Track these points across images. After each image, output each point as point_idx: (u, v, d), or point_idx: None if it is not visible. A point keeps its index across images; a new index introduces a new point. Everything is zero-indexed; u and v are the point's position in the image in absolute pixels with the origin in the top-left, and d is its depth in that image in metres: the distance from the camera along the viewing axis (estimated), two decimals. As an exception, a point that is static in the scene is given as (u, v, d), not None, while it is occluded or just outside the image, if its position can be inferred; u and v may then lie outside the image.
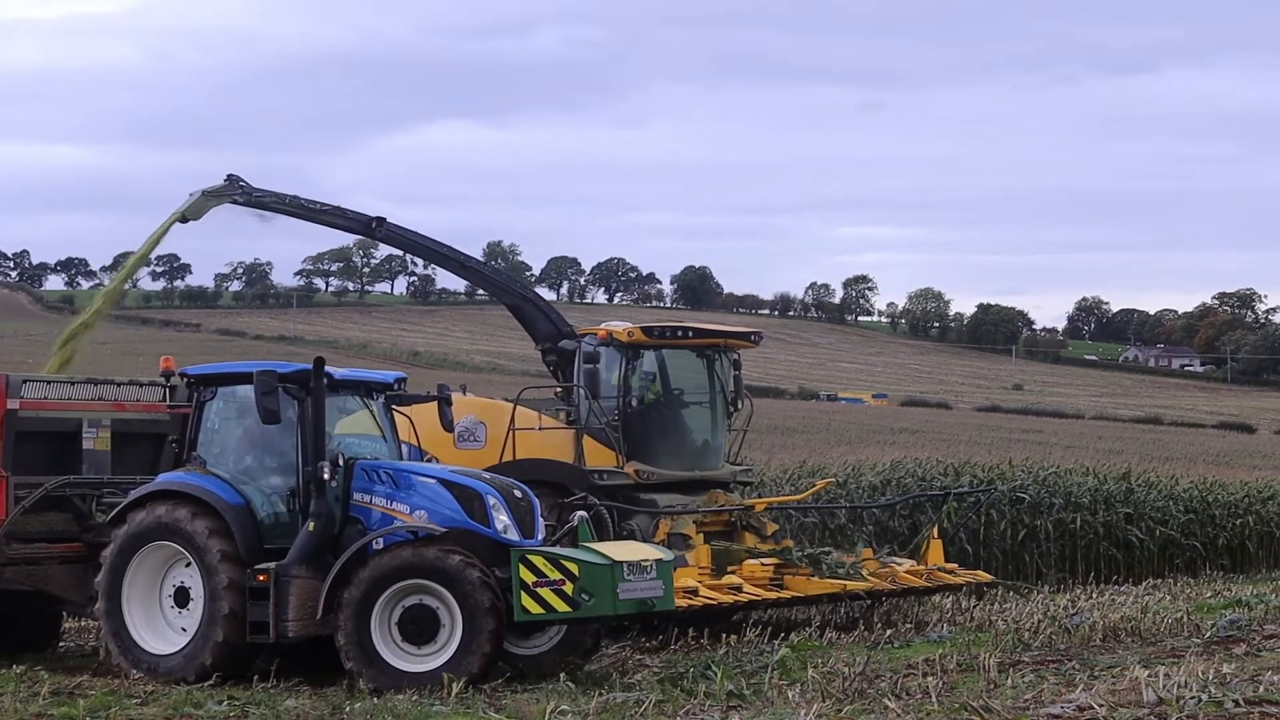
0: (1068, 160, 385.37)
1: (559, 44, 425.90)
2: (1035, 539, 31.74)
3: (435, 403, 19.75)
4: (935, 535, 25.02)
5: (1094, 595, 26.75)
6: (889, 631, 20.98)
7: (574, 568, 16.88)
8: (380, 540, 17.27)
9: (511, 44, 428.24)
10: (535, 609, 16.88)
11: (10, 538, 19.37)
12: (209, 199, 23.49)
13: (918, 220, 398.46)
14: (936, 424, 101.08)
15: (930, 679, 15.40)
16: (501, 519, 17.47)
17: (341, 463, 17.66)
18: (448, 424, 19.95)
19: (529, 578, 16.87)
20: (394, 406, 19.18)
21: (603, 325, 24.07)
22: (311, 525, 17.47)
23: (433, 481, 17.72)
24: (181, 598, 18.05)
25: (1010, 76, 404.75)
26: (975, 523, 30.62)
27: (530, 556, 16.97)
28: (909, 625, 22.05)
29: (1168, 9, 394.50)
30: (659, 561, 17.67)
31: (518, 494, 17.91)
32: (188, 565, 17.95)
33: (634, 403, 23.57)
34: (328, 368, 18.04)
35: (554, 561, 16.93)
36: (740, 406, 24.56)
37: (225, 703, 15.54)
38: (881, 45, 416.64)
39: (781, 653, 17.83)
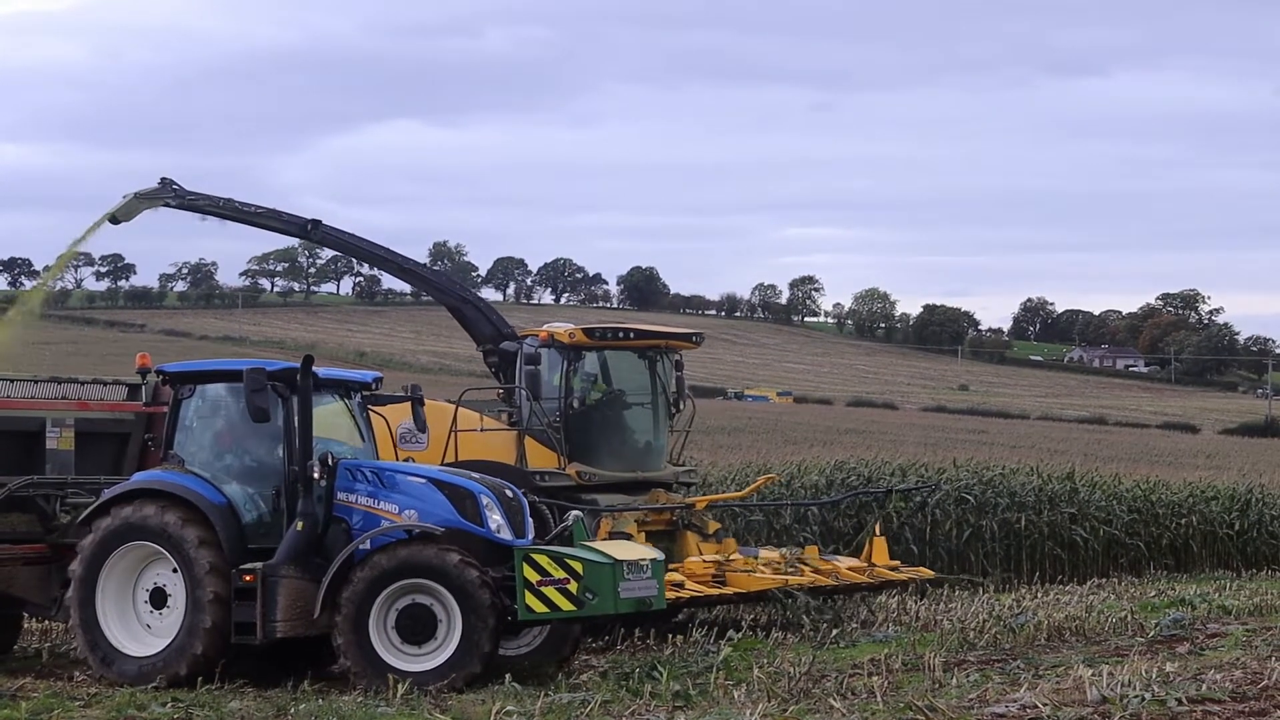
0: (1015, 162, 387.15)
1: (509, 44, 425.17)
2: (980, 538, 31.86)
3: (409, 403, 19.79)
4: (878, 533, 25.12)
5: (1039, 595, 26.86)
6: (835, 631, 21.01)
7: (578, 566, 16.87)
8: (369, 540, 17.17)
9: (461, 43, 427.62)
10: (540, 608, 16.85)
11: None
12: (141, 201, 23.34)
13: (865, 221, 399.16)
14: (883, 424, 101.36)
15: (875, 679, 15.45)
16: (495, 518, 17.42)
17: (330, 462, 17.55)
18: (421, 424, 19.98)
19: (533, 576, 16.84)
20: (370, 407, 19.13)
21: (544, 327, 24.08)
22: (300, 525, 17.33)
23: (422, 481, 17.64)
24: (158, 598, 17.80)
25: (961, 78, 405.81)
26: (920, 521, 30.72)
27: (534, 555, 16.95)
28: (855, 625, 22.09)
29: (1118, 11, 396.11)
30: (654, 561, 17.73)
31: (509, 493, 17.87)
32: (164, 565, 17.70)
33: (575, 404, 23.57)
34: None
35: (558, 560, 16.92)
36: (682, 407, 24.59)
37: (169, 704, 15.44)
38: (833, 46, 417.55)
39: (725, 652, 17.85)
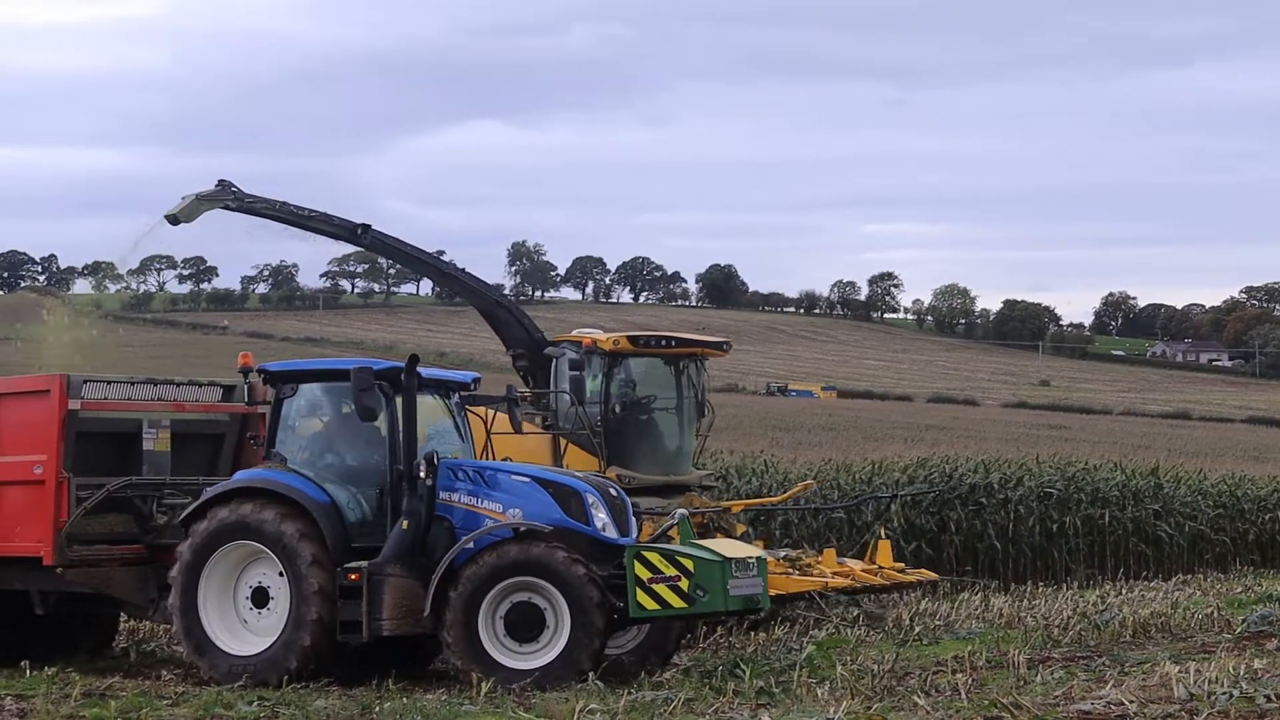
0: (1097, 154, 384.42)
1: (587, 42, 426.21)
2: (1064, 535, 31.67)
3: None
4: (884, 535, 25.18)
5: (1123, 591, 26.71)
6: (917, 629, 20.95)
7: (689, 564, 16.88)
8: (474, 540, 17.21)
9: (541, 43, 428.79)
10: (651, 605, 16.88)
11: (71, 539, 19.33)
12: (202, 203, 23.34)
13: (945, 217, 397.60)
14: (964, 421, 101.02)
15: (959, 676, 15.39)
16: (600, 517, 17.45)
17: (435, 461, 17.63)
18: (517, 425, 19.99)
19: (644, 574, 16.86)
20: (468, 407, 19.21)
21: (582, 332, 24.39)
22: (405, 524, 17.38)
23: (526, 480, 17.67)
24: (260, 597, 17.88)
25: (1040, 71, 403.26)
26: (1003, 518, 30.58)
27: (645, 553, 16.98)
28: (938, 623, 22.01)
29: (1200, 1, 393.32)
30: (759, 559, 17.74)
31: (613, 492, 17.90)
32: (266, 564, 17.76)
33: (616, 409, 23.72)
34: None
35: (669, 558, 16.93)
36: (707, 412, 24.82)
37: (255, 703, 15.54)
38: (910, 40, 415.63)
39: (809, 650, 17.82)
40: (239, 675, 17.40)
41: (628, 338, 24.11)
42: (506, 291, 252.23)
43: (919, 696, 13.99)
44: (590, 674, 16.36)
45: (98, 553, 19.59)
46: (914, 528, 30.07)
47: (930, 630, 20.99)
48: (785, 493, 27.90)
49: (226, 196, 22.94)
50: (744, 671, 16.18)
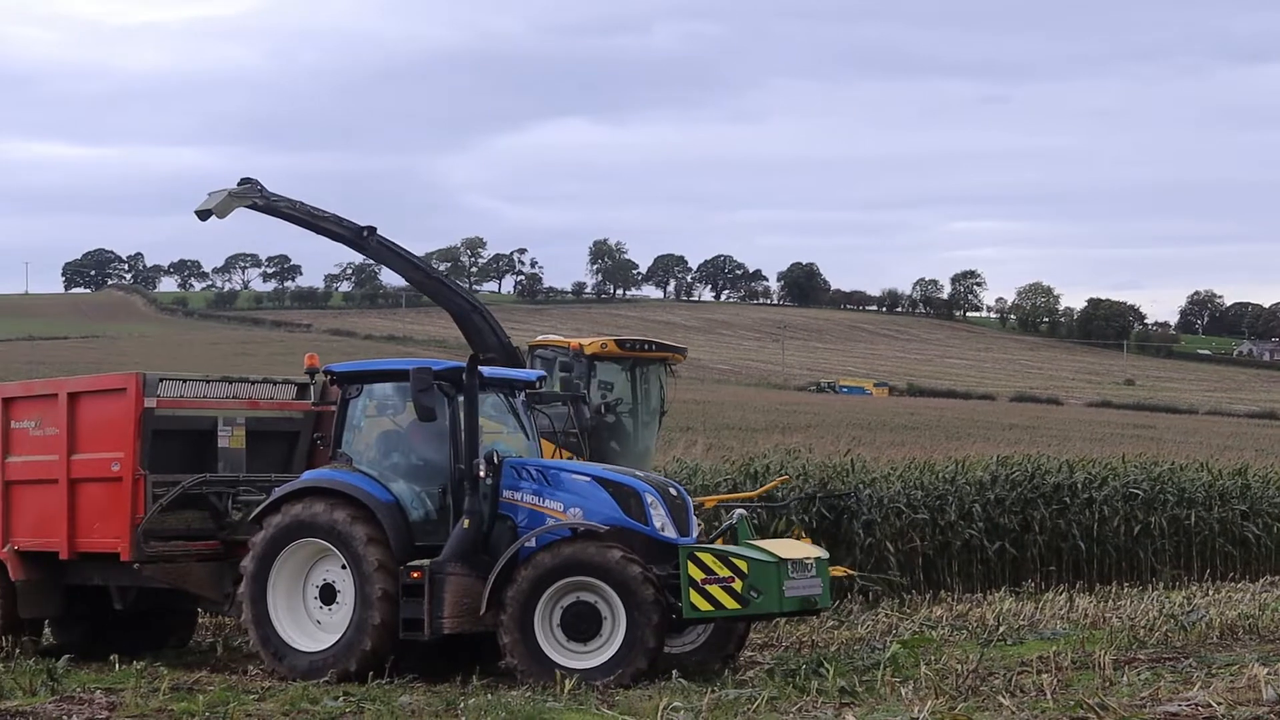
0: (1185, 152, 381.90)
1: (676, 40, 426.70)
2: (1149, 536, 31.40)
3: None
4: (802, 536, 25.05)
5: (1210, 592, 26.48)
6: (1001, 628, 20.85)
7: (743, 565, 16.88)
8: (534, 538, 17.29)
9: (629, 40, 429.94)
10: (704, 606, 16.89)
11: (148, 535, 19.56)
12: (233, 200, 23.36)
13: (1031, 215, 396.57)
14: (1047, 420, 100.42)
15: (1045, 676, 15.29)
16: (659, 516, 17.48)
17: (496, 460, 17.71)
18: (583, 424, 20.03)
19: (698, 575, 16.87)
20: (533, 406, 19.27)
21: (552, 337, 24.66)
22: (466, 522, 17.47)
23: (587, 479, 17.70)
24: (328, 594, 18.03)
25: (1133, 67, 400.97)
26: (1088, 518, 30.34)
27: (699, 554, 16.97)
28: (1022, 623, 21.90)
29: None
30: (818, 559, 17.70)
31: (673, 492, 17.92)
32: (333, 562, 17.91)
33: (603, 410, 24.04)
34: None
35: (723, 559, 16.93)
36: (666, 411, 25.51)
37: (341, 699, 15.64)
38: (1004, 37, 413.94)
39: (893, 649, 17.76)
40: (302, 670, 17.59)
41: (615, 341, 24.36)
42: (588, 289, 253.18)
43: (1004, 697, 13.92)
44: (674, 672, 16.39)
45: (174, 548, 19.81)
46: (997, 527, 29.87)
47: (1014, 630, 20.88)
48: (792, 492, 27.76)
49: (255, 194, 22.99)
50: (827, 670, 16.14)
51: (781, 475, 27.60)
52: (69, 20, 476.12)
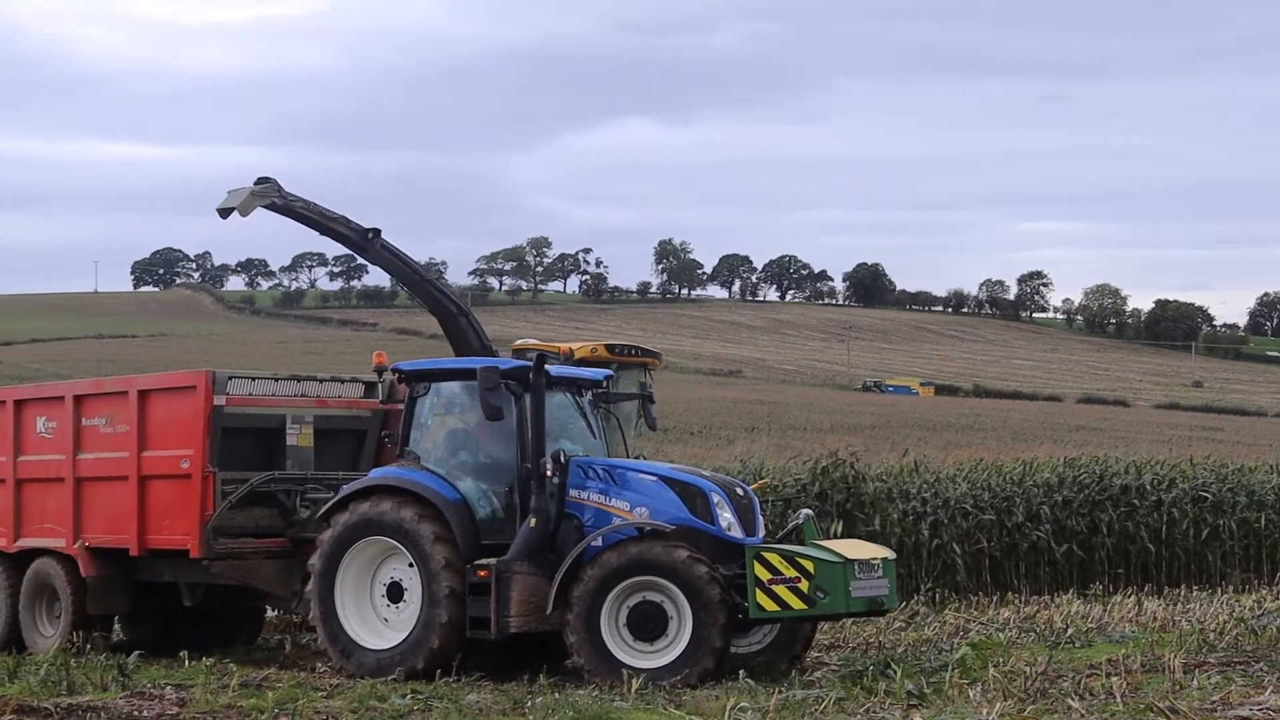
0: (1255, 151, 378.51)
1: (740, 40, 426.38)
2: (1218, 538, 31.16)
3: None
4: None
5: (1280, 596, 26.23)
6: (1069, 631, 20.74)
7: (809, 565, 16.84)
8: (600, 537, 17.32)
9: (695, 40, 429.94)
10: (770, 606, 16.86)
11: (218, 532, 19.70)
12: (255, 199, 23.36)
13: (1099, 215, 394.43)
14: (1114, 422, 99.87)
15: (1114, 679, 15.21)
16: (726, 516, 17.47)
17: (563, 459, 17.74)
18: (651, 422, 20.02)
19: (764, 575, 16.85)
20: (601, 405, 19.28)
21: (530, 341, 24.57)
22: (533, 521, 17.50)
23: (653, 479, 17.69)
24: (395, 592, 18.06)
25: (1199, 65, 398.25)
26: (1156, 521, 30.13)
27: (765, 554, 16.95)
28: (1090, 625, 21.77)
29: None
30: (885, 560, 17.65)
31: (739, 491, 17.91)
32: (401, 560, 17.95)
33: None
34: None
35: (789, 559, 16.89)
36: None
37: (409, 696, 15.70)
38: (1071, 36, 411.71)
39: (962, 651, 17.69)
40: (369, 668, 17.63)
41: (605, 346, 24.35)
42: (653, 289, 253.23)
43: (1073, 699, 13.86)
44: (740, 672, 16.38)
45: (242, 546, 19.92)
46: (1065, 529, 29.73)
47: (1082, 633, 20.77)
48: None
49: (273, 194, 23.01)
50: (895, 672, 16.08)
51: (763, 479, 27.54)
52: (138, 21, 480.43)
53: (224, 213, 23.11)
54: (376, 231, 23.55)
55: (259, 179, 22.98)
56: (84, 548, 20.84)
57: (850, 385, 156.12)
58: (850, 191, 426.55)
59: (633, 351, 24.75)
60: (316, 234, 23.61)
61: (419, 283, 24.15)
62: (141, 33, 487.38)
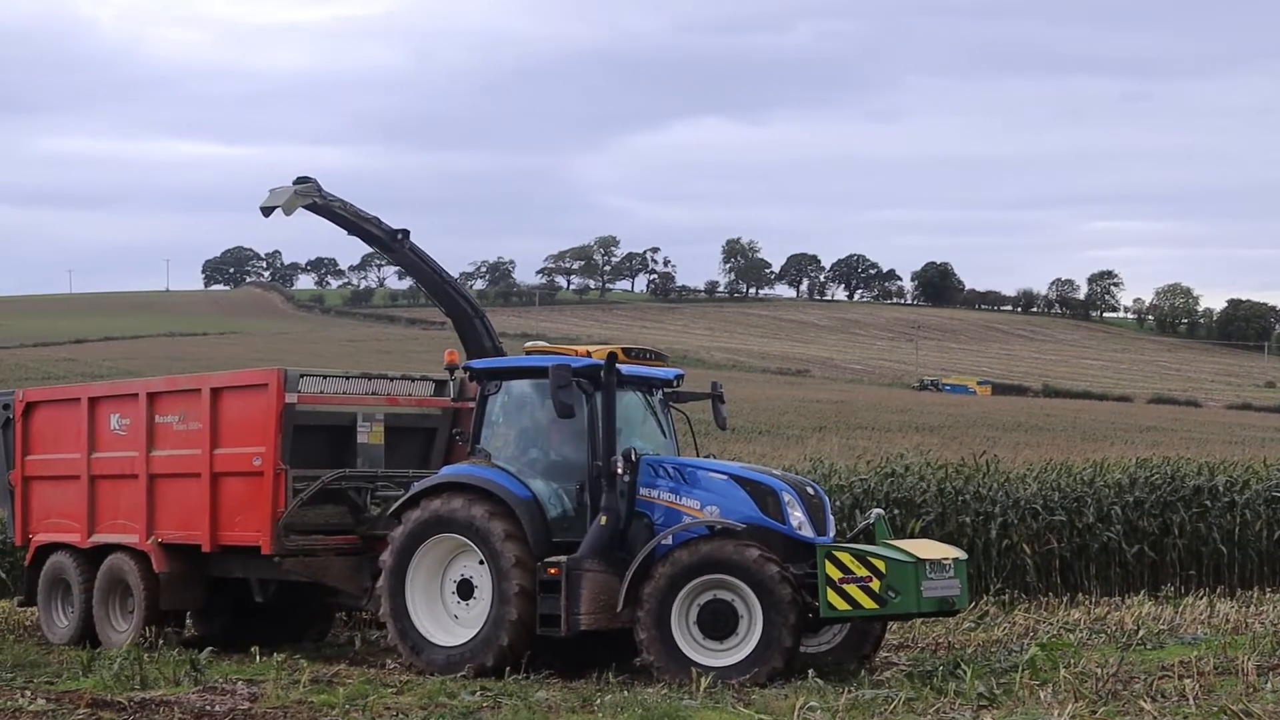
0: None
1: (814, 38, 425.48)
2: (1292, 540, 30.85)
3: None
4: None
5: (1356, 598, 25.97)
6: (1141, 633, 20.61)
7: (881, 565, 16.81)
8: (670, 536, 17.33)
9: (768, 39, 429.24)
10: (842, 605, 16.84)
11: (289, 530, 19.83)
12: (298, 198, 23.46)
13: (1170, 214, 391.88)
14: (1186, 422, 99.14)
15: (1186, 681, 15.11)
16: (796, 515, 17.47)
17: (634, 457, 17.75)
18: (721, 422, 19.98)
19: (835, 574, 16.83)
20: (671, 404, 19.29)
21: (539, 344, 24.50)
22: (603, 519, 17.53)
23: (724, 478, 17.71)
24: (465, 590, 18.13)
25: (1276, 65, 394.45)
26: (1229, 522, 29.89)
27: (836, 553, 16.93)
28: (1162, 627, 21.63)
29: None
30: (956, 560, 17.60)
31: (810, 491, 17.91)
32: (471, 557, 18.01)
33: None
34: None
35: (861, 558, 16.87)
36: None
37: (478, 693, 15.76)
38: (1149, 34, 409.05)
39: (1032, 652, 17.61)
40: (439, 664, 17.68)
41: (623, 350, 24.29)
42: (721, 288, 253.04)
43: (1145, 701, 13.79)
44: (810, 671, 16.35)
45: (313, 543, 20.03)
46: (1136, 530, 29.52)
47: (1154, 635, 20.62)
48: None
49: (314, 194, 23.11)
50: (965, 672, 16.02)
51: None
52: (210, 21, 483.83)
53: (267, 211, 23.27)
54: (406, 233, 23.71)
55: (298, 178, 23.15)
56: (157, 544, 21.02)
57: (910, 384, 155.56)
58: (920, 191, 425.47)
59: (648, 356, 24.72)
60: (345, 233, 23.76)
61: (440, 284, 24.27)
62: (213, 33, 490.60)
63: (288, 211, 23.15)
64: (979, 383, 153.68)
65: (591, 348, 23.71)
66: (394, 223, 23.48)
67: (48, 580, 22.72)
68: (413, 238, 23.47)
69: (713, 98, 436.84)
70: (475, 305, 24.67)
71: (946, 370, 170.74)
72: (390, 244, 23.68)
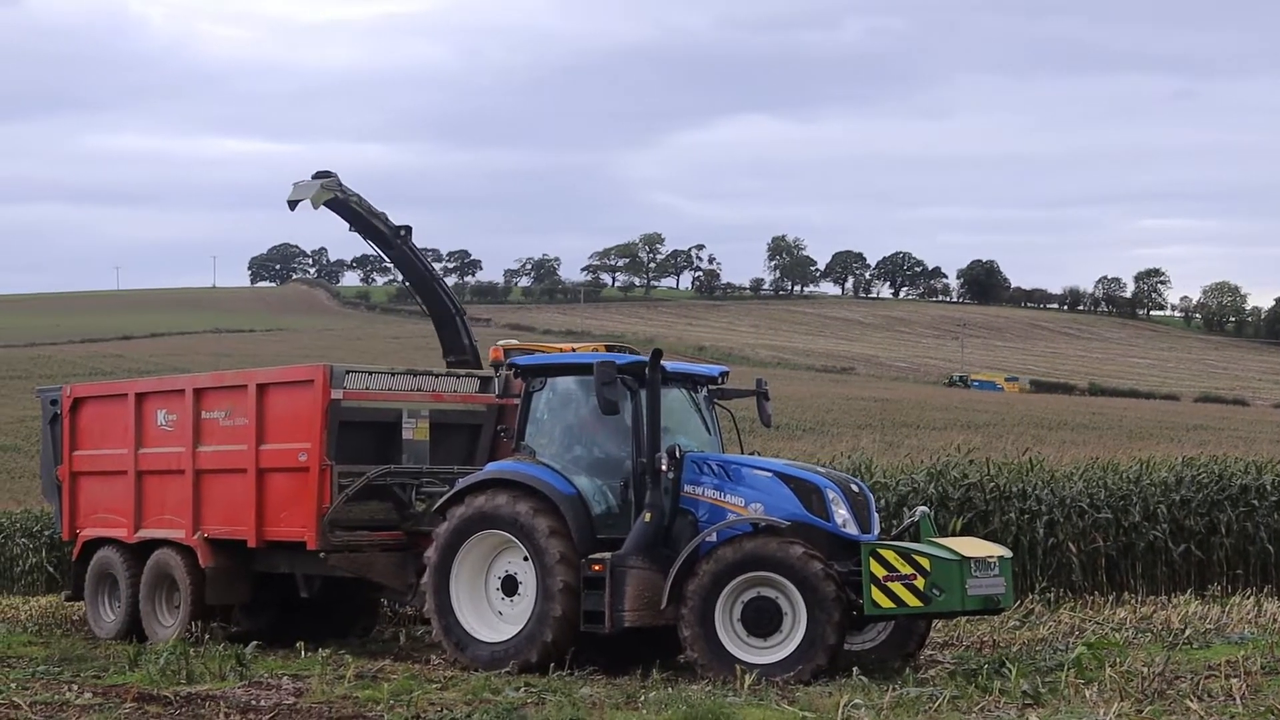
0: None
1: (863, 35, 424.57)
2: (1340, 539, 30.65)
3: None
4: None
5: (1405, 598, 25.79)
6: (1187, 632, 20.52)
7: (925, 563, 16.77)
8: (715, 533, 17.33)
9: (815, 36, 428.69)
10: (886, 603, 16.81)
11: (334, 525, 19.91)
12: (324, 192, 23.53)
13: (1218, 212, 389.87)
14: (1233, 421, 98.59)
15: (1234, 681, 15.03)
16: (841, 513, 17.46)
17: (678, 454, 17.75)
18: (766, 419, 19.97)
19: (879, 572, 16.79)
20: (716, 401, 19.28)
21: (511, 343, 24.45)
22: (648, 516, 17.54)
23: (768, 475, 17.71)
24: (509, 586, 18.16)
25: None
26: (1276, 521, 29.73)
27: (881, 550, 16.90)
28: (1208, 626, 21.52)
29: None
30: (1001, 558, 17.55)
31: (854, 488, 17.89)
32: (516, 554, 18.04)
33: None
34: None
35: (905, 556, 16.83)
36: None
37: (522, 689, 15.78)
38: (1196, 33, 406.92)
39: (1078, 651, 17.54)
40: (484, 660, 17.72)
41: (605, 347, 24.25)
42: (766, 286, 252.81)
43: (1191, 701, 13.72)
44: (854, 669, 16.33)
45: (359, 538, 20.09)
46: (1182, 529, 29.37)
47: (1200, 634, 20.52)
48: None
49: (336, 188, 23.24)
50: (1010, 671, 15.97)
51: None
52: (259, 18, 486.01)
53: (293, 204, 23.52)
54: (408, 230, 23.89)
55: (318, 173, 23.35)
56: (203, 539, 21.12)
57: (958, 383, 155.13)
58: (967, 188, 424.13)
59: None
60: (347, 226, 23.94)
61: (429, 282, 24.46)
62: (262, 30, 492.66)
63: (315, 204, 23.38)
64: (1006, 379, 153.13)
65: (575, 346, 23.77)
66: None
67: (95, 575, 22.85)
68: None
69: (760, 95, 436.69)
70: (457, 304, 24.83)
71: (993, 368, 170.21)
72: (392, 240, 23.90)
